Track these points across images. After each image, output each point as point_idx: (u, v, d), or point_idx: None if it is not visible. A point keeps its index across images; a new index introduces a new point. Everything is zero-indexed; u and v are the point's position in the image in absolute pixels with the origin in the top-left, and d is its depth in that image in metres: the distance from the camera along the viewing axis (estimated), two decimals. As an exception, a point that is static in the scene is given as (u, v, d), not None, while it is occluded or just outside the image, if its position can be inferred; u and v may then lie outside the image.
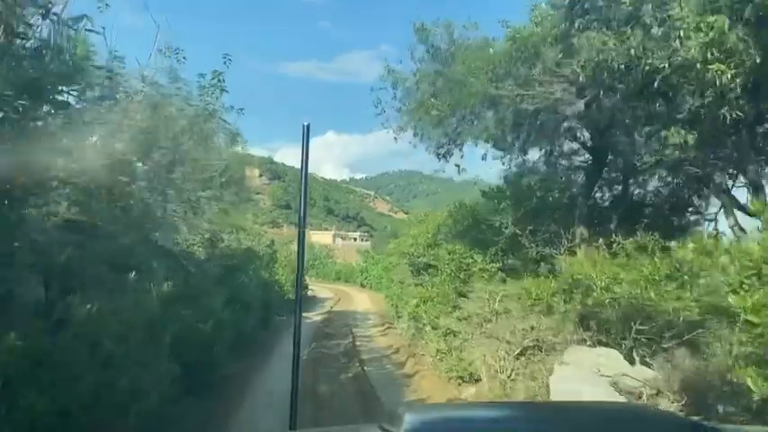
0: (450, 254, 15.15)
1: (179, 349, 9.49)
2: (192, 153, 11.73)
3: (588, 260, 9.38)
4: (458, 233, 16.74)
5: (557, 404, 4.90)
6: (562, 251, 12.49)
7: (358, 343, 18.24)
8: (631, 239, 10.01)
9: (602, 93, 8.47)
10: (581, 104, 8.58)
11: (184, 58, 11.81)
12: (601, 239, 9.90)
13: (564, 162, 13.56)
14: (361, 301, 34.50)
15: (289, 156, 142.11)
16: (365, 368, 14.23)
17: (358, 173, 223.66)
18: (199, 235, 14.75)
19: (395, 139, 13.23)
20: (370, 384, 12.46)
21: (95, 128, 8.85)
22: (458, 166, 13.91)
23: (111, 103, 9.07)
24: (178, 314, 9.66)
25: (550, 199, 12.90)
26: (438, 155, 13.90)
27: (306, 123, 3.00)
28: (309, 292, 38.34)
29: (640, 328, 9.21)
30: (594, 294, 8.84)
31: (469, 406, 4.38)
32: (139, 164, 11.19)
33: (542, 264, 13.05)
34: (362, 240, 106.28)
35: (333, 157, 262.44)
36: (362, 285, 44.55)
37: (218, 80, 12.68)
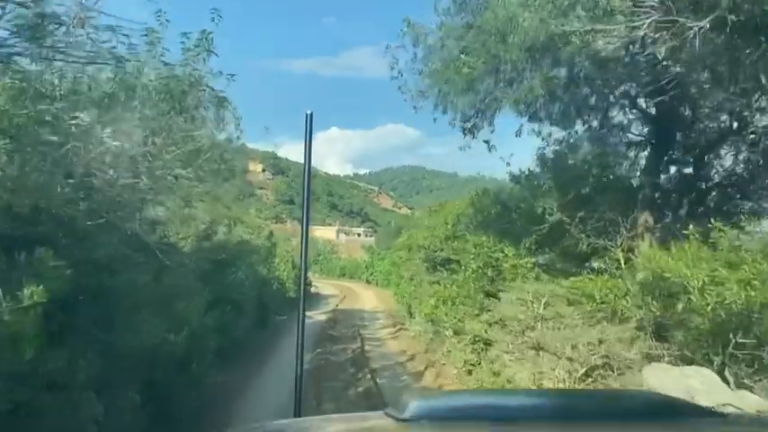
0: (476, 247, 12.89)
1: (141, 368, 7.28)
2: (170, 123, 9.58)
3: (680, 253, 7.09)
4: (482, 223, 14.47)
5: (566, 391, 4.79)
6: (620, 242, 10.22)
7: (367, 348, 16.00)
8: (726, 225, 7.72)
9: (707, 27, 6.15)
10: (674, 42, 6.26)
11: (168, 20, 9.71)
12: (690, 225, 7.59)
13: (614, 139, 11.25)
14: (368, 298, 32.19)
15: (293, 151, 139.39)
16: (377, 380, 11.99)
17: (361, 168, 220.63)
18: (185, 225, 12.53)
19: (414, 108, 10.93)
20: (385, 403, 10.20)
21: (32, 78, 6.66)
22: (487, 142, 11.64)
23: (49, 45, 6.80)
24: (143, 323, 7.42)
25: (611, 177, 10.58)
26: (464, 130, 11.62)
27: (308, 112, 2.65)
28: (313, 289, 36.10)
29: (742, 340, 6.95)
30: (692, 298, 6.56)
31: (475, 393, 4.25)
32: (105, 133, 9.13)
33: (592, 258, 10.81)
34: (366, 236, 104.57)
35: (336, 153, 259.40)
36: (368, 282, 42.21)
37: (206, 40, 10.41)
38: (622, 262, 10.17)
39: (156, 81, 9.71)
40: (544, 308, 9.42)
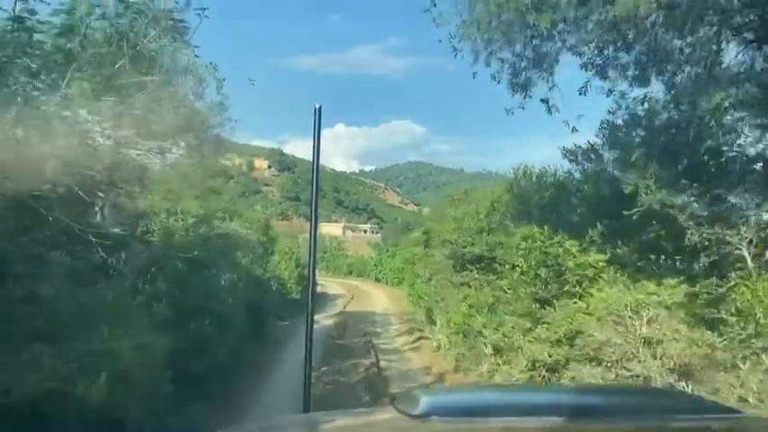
0: (525, 240, 9.86)
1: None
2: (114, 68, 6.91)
3: None
4: (524, 212, 11.47)
5: (581, 385, 4.48)
6: (742, 232, 7.19)
7: (383, 363, 13.01)
8: None
9: None
10: None
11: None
12: None
13: (724, 92, 8.13)
14: (378, 298, 29.14)
15: (298, 148, 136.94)
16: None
17: (367, 165, 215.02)
18: (143, 212, 9.57)
19: (454, 50, 7.86)
20: None
21: None
22: (546, 101, 8.57)
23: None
24: (34, 360, 4.45)
25: (727, 146, 7.51)
26: (514, 85, 8.59)
27: (317, 105, 2.66)
28: (319, 288, 33.18)
29: None
30: None
31: (487, 387, 3.83)
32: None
33: (703, 253, 7.77)
34: (373, 232, 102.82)
35: (342, 150, 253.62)
36: (377, 280, 39.12)
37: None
38: (749, 261, 7.16)
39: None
40: (648, 326, 6.41)
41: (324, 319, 20.36)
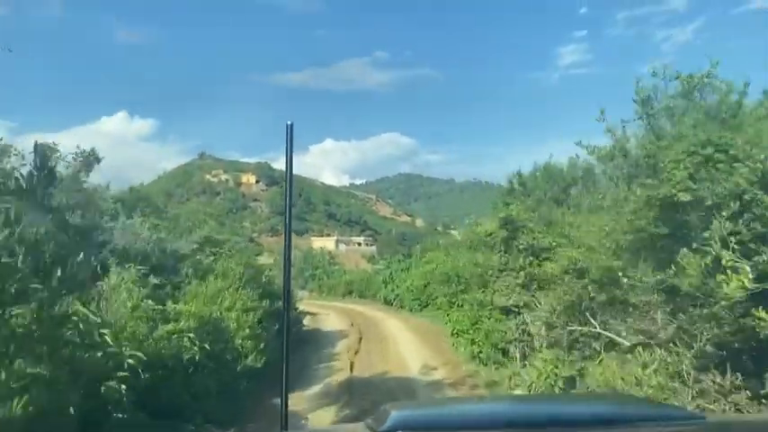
0: None
1: None
2: None
3: None
4: None
5: (548, 396, 4.31)
6: None
7: None
8: None
9: None
10: None
11: None
12: None
13: None
14: (403, 339, 17.64)
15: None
16: None
17: (357, 179, 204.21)
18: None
19: None
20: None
21: None
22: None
23: None
24: None
25: None
26: None
27: (289, 123, 2.44)
28: (308, 320, 22.17)
29: None
30: None
31: (456, 401, 3.93)
32: None
33: None
34: (367, 245, 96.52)
35: (332, 164, 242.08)
36: (387, 303, 27.91)
37: None
38: None
39: None
40: None
41: (313, 406, 9.51)
